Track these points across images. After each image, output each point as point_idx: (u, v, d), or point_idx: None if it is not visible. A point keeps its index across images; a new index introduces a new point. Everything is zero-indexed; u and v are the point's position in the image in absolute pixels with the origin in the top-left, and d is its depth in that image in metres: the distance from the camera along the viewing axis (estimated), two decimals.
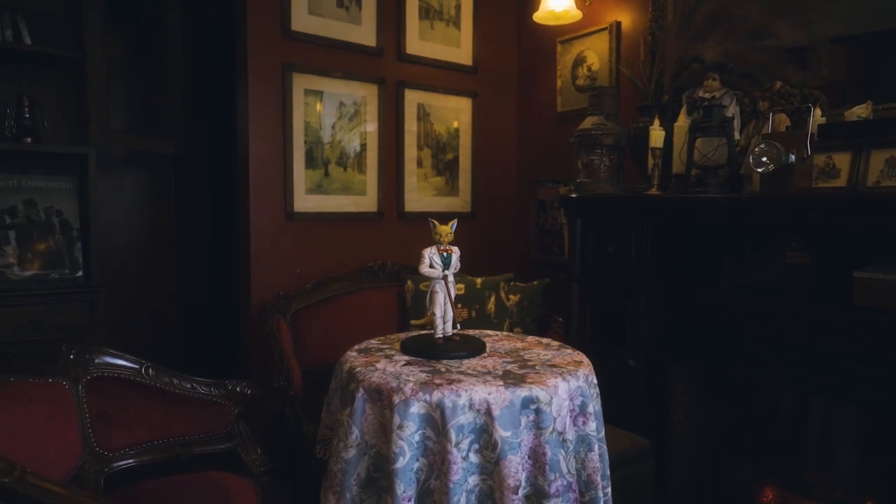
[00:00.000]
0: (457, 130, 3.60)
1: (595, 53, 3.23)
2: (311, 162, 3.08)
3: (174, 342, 3.70)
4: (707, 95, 2.41)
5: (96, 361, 1.82)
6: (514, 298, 2.96)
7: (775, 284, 2.10)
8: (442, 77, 3.51)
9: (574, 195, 2.67)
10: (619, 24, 3.10)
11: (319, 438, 1.80)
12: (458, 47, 3.55)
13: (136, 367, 1.87)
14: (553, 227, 3.49)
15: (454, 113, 3.58)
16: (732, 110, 2.35)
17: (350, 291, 3.05)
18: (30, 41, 2.64)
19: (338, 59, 3.13)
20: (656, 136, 2.44)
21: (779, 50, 2.38)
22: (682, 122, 2.43)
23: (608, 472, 1.69)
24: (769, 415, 2.37)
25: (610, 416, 1.90)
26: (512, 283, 3.02)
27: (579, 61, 3.33)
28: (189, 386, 1.92)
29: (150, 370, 1.88)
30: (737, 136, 2.30)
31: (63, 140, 2.89)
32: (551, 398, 1.50)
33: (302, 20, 2.99)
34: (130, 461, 1.85)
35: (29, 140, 2.67)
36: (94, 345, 1.95)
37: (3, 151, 2.65)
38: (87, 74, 2.72)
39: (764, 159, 1.97)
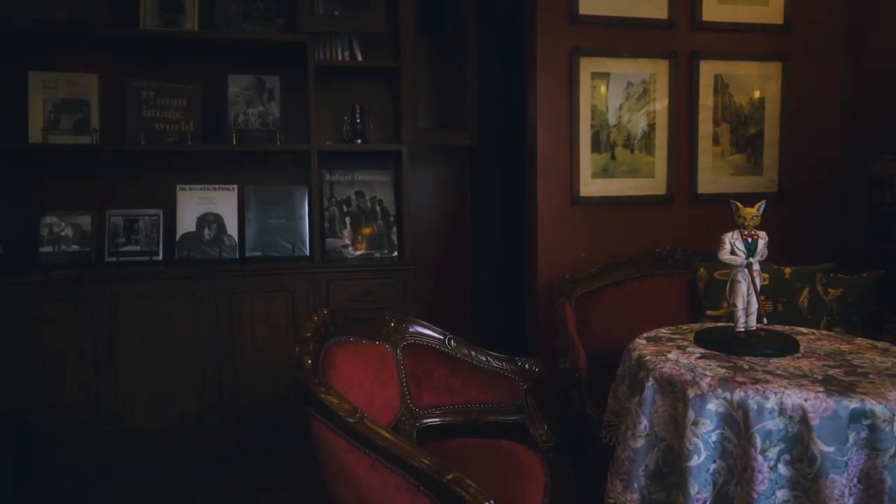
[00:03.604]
0: (761, 101, 3.19)
1: None
2: (596, 146, 3.06)
3: (467, 318, 4.07)
4: None
5: (410, 330, 2.10)
6: (834, 292, 2.52)
7: None
8: (744, 42, 3.14)
9: None
10: None
11: (605, 423, 1.80)
12: (765, 5, 3.13)
13: (441, 337, 2.10)
14: (892, 208, 2.86)
15: (758, 81, 3.17)
16: None
17: (635, 277, 2.95)
18: (361, 58, 3.15)
19: (625, 38, 3.03)
20: None
21: None
22: None
23: None
24: None
25: None
26: (832, 275, 2.57)
27: None
28: (484, 359, 2.09)
29: (452, 341, 2.10)
30: None
31: (383, 139, 3.40)
32: (893, 415, 1.24)
33: (589, 3, 2.97)
34: (436, 420, 2.09)
35: (359, 141, 3.21)
36: (408, 315, 2.25)
37: (342, 152, 3.26)
38: (401, 82, 3.14)
39: None
